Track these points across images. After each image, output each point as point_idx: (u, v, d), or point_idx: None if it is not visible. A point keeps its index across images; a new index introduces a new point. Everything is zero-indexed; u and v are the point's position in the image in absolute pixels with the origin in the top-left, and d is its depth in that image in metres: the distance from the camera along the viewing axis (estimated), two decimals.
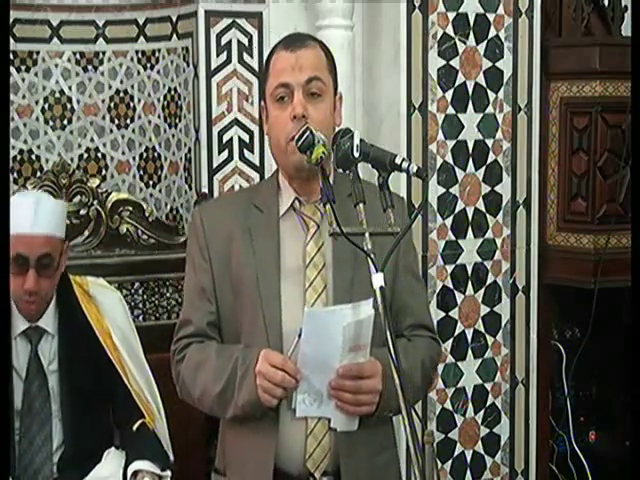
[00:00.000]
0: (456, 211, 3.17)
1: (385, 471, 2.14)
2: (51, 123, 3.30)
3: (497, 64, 3.18)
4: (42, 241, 2.43)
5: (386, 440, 2.16)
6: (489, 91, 3.18)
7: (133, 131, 3.35)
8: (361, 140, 1.90)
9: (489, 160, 3.21)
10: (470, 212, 3.19)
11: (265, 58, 2.16)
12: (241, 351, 2.03)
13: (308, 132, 1.96)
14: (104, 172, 3.35)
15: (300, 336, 1.92)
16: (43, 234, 2.43)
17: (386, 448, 2.16)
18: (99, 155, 3.35)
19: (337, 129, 1.99)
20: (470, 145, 3.17)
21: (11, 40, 3.13)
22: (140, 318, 3.07)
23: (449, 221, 3.16)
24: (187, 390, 2.12)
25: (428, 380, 2.21)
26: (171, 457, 2.54)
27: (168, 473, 2.44)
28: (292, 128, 2.00)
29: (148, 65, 3.31)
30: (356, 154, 1.88)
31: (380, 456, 2.12)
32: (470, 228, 3.19)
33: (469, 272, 3.20)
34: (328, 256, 2.08)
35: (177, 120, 3.24)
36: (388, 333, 1.73)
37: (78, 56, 3.30)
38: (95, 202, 3.06)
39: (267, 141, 2.17)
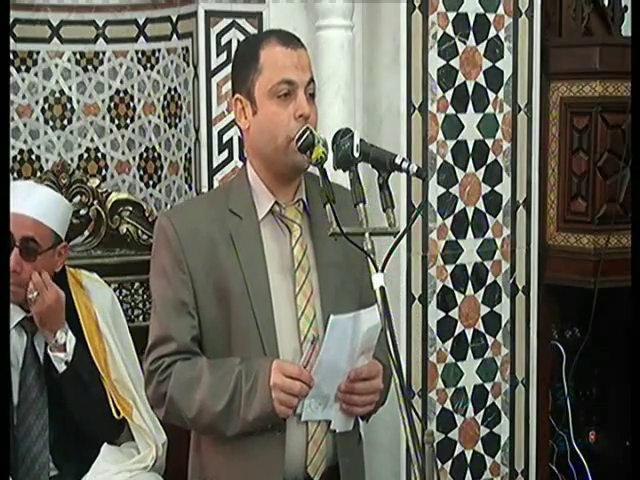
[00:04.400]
0: (456, 211, 3.17)
1: (362, 462, 2.18)
2: (51, 123, 3.30)
3: (497, 64, 3.18)
4: (28, 224, 2.45)
5: (358, 433, 2.17)
6: (489, 91, 3.18)
7: (133, 131, 3.35)
8: (361, 140, 1.89)
9: (489, 160, 3.21)
10: (470, 212, 3.19)
11: (245, 50, 2.09)
12: (242, 365, 1.97)
13: (308, 132, 1.95)
14: (104, 172, 3.35)
15: (312, 342, 1.92)
16: (30, 217, 2.46)
17: (360, 440, 2.18)
18: (99, 155, 3.35)
19: (337, 129, 1.98)
20: (470, 145, 3.17)
21: (11, 40, 3.13)
22: (140, 318, 3.07)
23: (449, 221, 3.15)
24: (178, 411, 2.01)
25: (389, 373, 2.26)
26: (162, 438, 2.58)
27: None
28: (295, 127, 1.97)
29: (148, 65, 3.31)
30: (356, 154, 1.88)
31: (358, 447, 2.16)
32: (470, 228, 3.19)
33: (469, 272, 3.20)
34: (312, 259, 2.06)
35: (177, 120, 3.24)
36: (388, 333, 1.73)
37: (78, 56, 3.30)
38: (95, 202, 3.07)
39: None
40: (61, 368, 2.45)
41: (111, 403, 2.51)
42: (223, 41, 3.05)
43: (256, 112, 2.03)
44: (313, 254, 2.06)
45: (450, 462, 3.24)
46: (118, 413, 2.51)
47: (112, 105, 3.34)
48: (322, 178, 1.92)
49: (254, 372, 1.95)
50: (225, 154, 3.08)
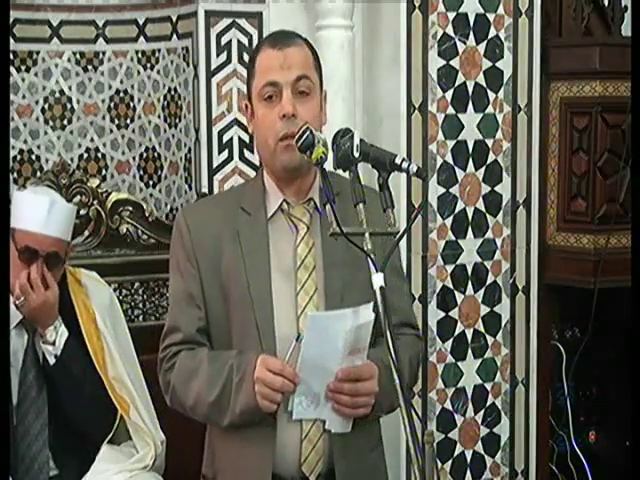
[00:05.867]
0: (456, 211, 3.17)
1: (375, 469, 2.16)
2: (51, 123, 3.30)
3: (497, 64, 3.18)
4: (51, 242, 2.49)
5: (374, 439, 2.16)
6: (489, 91, 3.18)
7: (133, 131, 3.35)
8: (361, 140, 1.90)
9: (489, 160, 3.21)
10: (470, 212, 3.19)
11: (249, 57, 2.14)
12: (235, 357, 2.00)
13: (308, 132, 1.95)
14: (104, 172, 3.35)
15: (297, 339, 1.92)
16: (54, 236, 2.50)
17: (375, 447, 2.16)
18: (99, 155, 3.35)
19: (337, 129, 1.98)
20: (470, 145, 3.17)
21: (11, 40, 3.13)
22: (140, 318, 3.06)
23: (449, 221, 3.16)
24: (179, 399, 2.07)
25: (415, 377, 2.23)
26: (161, 437, 2.58)
27: None
28: (281, 127, 1.99)
29: (148, 65, 3.31)
30: (356, 154, 1.88)
31: (370, 455, 2.13)
32: (470, 228, 3.19)
33: (469, 272, 3.20)
34: (319, 258, 2.06)
35: (177, 120, 3.24)
36: (388, 333, 1.73)
37: (78, 56, 3.30)
38: (95, 202, 3.07)
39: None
40: (52, 361, 2.47)
41: (107, 400, 2.51)
42: (223, 41, 3.05)
43: (254, 116, 2.08)
44: (321, 253, 2.07)
45: (450, 462, 3.24)
46: (115, 410, 2.51)
47: (112, 105, 3.34)
48: (322, 178, 1.93)
49: (244, 365, 1.98)
50: (225, 154, 3.08)
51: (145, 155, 3.36)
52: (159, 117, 3.31)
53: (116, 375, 2.53)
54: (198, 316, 2.08)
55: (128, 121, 3.35)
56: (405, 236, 2.93)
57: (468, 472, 3.27)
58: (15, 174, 3.24)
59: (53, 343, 2.47)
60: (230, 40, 3.06)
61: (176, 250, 2.14)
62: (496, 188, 3.23)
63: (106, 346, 2.55)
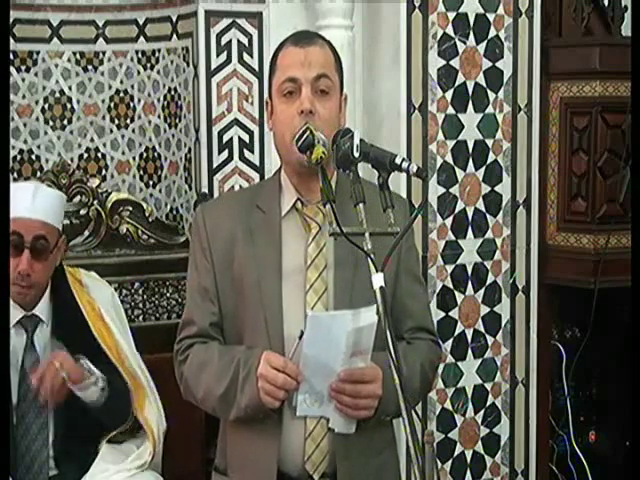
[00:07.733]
0: (456, 211, 3.17)
1: (383, 472, 2.15)
2: (51, 123, 3.30)
3: (497, 64, 3.18)
4: (38, 225, 2.48)
5: (384, 442, 2.16)
6: (489, 91, 3.18)
7: (133, 131, 3.35)
8: (361, 140, 1.90)
9: (489, 160, 3.21)
10: (470, 212, 3.19)
11: (272, 54, 2.16)
12: (243, 353, 2.04)
13: (308, 132, 1.96)
14: (104, 172, 3.35)
15: (301, 338, 1.93)
16: (40, 219, 2.49)
17: (384, 449, 2.16)
18: (99, 155, 3.35)
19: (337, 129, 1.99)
20: (470, 145, 3.17)
21: (11, 40, 3.13)
22: (140, 318, 3.06)
23: (449, 221, 3.16)
24: (190, 391, 2.12)
25: (427, 383, 2.21)
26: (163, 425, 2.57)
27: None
28: (298, 123, 2.00)
29: (148, 65, 3.31)
30: (356, 154, 1.89)
31: (377, 458, 2.13)
32: (470, 228, 3.19)
33: (469, 272, 3.20)
34: (329, 257, 2.08)
35: (177, 120, 3.24)
36: (388, 333, 1.73)
37: (78, 56, 3.30)
38: (95, 202, 3.07)
39: (271, 137, 2.17)
40: (102, 397, 2.43)
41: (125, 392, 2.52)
42: (223, 41, 3.05)
43: (273, 112, 2.09)
44: (332, 252, 2.08)
45: (450, 462, 3.24)
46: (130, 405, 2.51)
47: (112, 105, 3.34)
48: (322, 178, 1.93)
49: (250, 361, 2.00)
50: (225, 154, 3.08)
51: (145, 155, 3.36)
52: (159, 117, 3.31)
53: (129, 366, 2.54)
54: (211, 310, 2.12)
55: (128, 121, 3.34)
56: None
57: (468, 472, 3.27)
58: (15, 174, 3.24)
59: (90, 374, 2.42)
60: (230, 40, 3.06)
61: (193, 245, 2.19)
62: (496, 188, 3.23)
63: (116, 340, 2.56)
